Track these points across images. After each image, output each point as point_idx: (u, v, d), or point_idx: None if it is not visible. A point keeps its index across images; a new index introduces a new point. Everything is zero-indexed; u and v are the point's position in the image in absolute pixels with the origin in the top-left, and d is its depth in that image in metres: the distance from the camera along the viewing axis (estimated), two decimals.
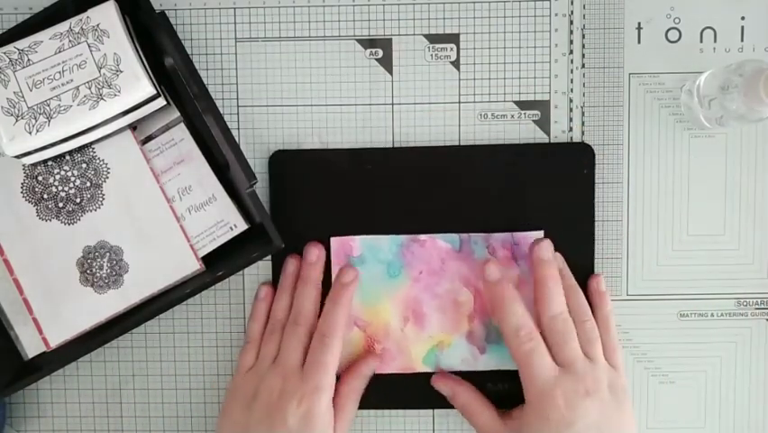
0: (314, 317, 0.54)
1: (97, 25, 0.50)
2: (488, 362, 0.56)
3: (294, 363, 0.52)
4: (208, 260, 0.54)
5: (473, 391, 0.55)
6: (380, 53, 0.56)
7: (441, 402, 0.56)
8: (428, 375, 0.56)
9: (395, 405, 0.57)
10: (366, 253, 0.56)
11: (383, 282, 0.56)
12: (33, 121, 0.50)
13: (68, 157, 0.54)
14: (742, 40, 0.56)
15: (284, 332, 0.54)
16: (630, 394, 0.55)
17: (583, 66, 0.56)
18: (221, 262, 0.54)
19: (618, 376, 0.52)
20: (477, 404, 0.54)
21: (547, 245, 0.53)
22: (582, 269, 0.56)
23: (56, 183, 0.54)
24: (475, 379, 0.56)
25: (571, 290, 0.54)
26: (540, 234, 0.55)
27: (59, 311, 0.53)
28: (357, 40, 0.56)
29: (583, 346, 0.52)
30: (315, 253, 0.55)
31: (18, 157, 0.51)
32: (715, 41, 0.56)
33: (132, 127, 0.54)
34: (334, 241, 0.56)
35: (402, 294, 0.56)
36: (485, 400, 0.54)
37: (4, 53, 0.50)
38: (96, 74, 0.50)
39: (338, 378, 0.53)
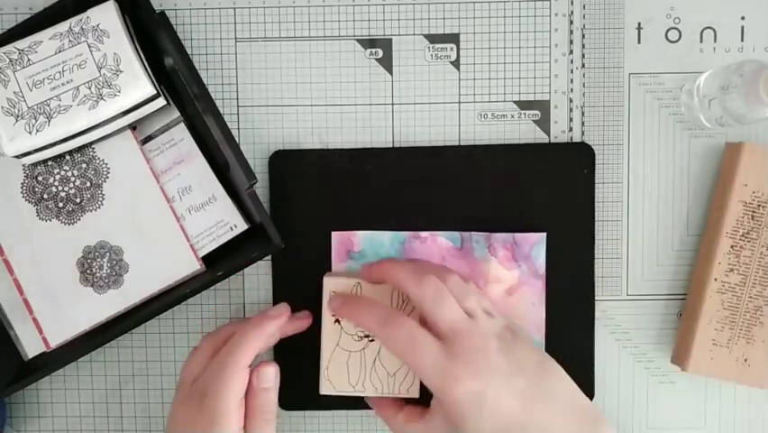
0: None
1: (97, 25, 0.50)
2: None
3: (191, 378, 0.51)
4: (208, 260, 0.54)
5: (393, 410, 0.53)
6: (380, 53, 0.56)
7: None
8: None
9: None
10: (367, 249, 0.56)
11: None
12: (33, 121, 0.50)
13: (68, 157, 0.54)
14: (742, 40, 0.56)
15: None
16: (521, 331, 0.52)
17: (583, 66, 0.56)
18: (221, 262, 0.54)
19: (494, 318, 0.50)
20: (396, 423, 0.52)
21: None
22: (582, 269, 0.56)
23: (56, 183, 0.54)
24: None
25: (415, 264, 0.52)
26: (542, 236, 0.55)
27: (59, 311, 0.53)
28: (357, 40, 0.56)
29: (460, 304, 0.49)
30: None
31: (18, 157, 0.51)
32: (715, 41, 0.56)
33: (132, 127, 0.54)
34: (335, 236, 0.56)
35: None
36: (402, 413, 0.52)
37: (4, 53, 0.50)
38: (96, 74, 0.50)
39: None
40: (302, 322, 0.54)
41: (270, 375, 0.51)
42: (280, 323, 0.51)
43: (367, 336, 0.53)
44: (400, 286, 0.50)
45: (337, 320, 0.53)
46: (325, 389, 0.53)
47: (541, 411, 0.48)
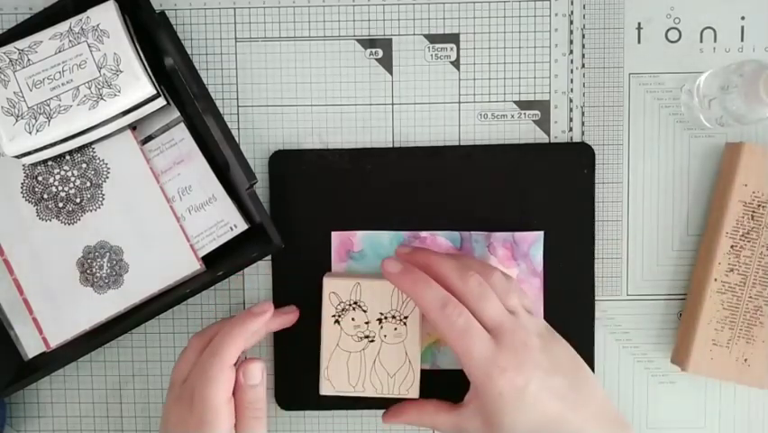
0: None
1: (97, 25, 0.50)
2: None
3: (179, 379, 0.51)
4: (208, 260, 0.54)
5: (416, 407, 0.53)
6: (380, 53, 0.56)
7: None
8: (427, 374, 0.56)
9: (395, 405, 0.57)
10: (366, 249, 0.56)
11: (382, 278, 0.56)
12: (33, 121, 0.50)
13: (68, 157, 0.54)
14: (742, 40, 0.56)
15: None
16: (552, 330, 0.52)
17: (583, 66, 0.56)
18: (221, 262, 0.54)
19: (535, 317, 0.51)
20: (426, 415, 0.53)
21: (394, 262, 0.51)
22: (582, 269, 0.56)
23: (56, 183, 0.54)
24: None
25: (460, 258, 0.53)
26: (540, 234, 0.55)
27: (59, 311, 0.53)
28: (357, 40, 0.56)
29: (502, 302, 0.50)
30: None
31: (18, 157, 0.51)
32: (715, 41, 0.56)
33: (132, 127, 0.54)
34: (335, 236, 0.56)
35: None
36: (431, 405, 0.53)
37: (4, 53, 0.50)
38: (96, 74, 0.50)
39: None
40: (288, 317, 0.54)
41: (257, 372, 0.50)
42: (264, 320, 0.51)
43: (367, 337, 0.53)
44: (442, 278, 0.50)
45: (337, 321, 0.53)
46: (325, 389, 0.53)
47: (576, 414, 0.48)
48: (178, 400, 0.50)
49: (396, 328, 0.53)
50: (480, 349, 0.48)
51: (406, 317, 0.53)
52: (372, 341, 0.53)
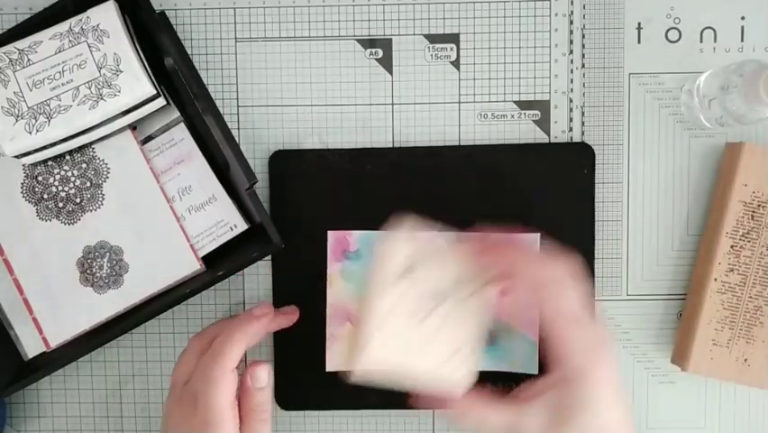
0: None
1: (97, 25, 0.50)
2: (484, 362, 0.56)
3: (182, 379, 0.51)
4: (208, 260, 0.54)
5: (479, 407, 0.48)
6: (380, 53, 0.56)
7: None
8: None
9: (395, 405, 0.57)
10: (362, 249, 0.56)
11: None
12: (33, 121, 0.50)
13: (68, 157, 0.54)
14: (742, 40, 0.56)
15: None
16: None
17: (583, 66, 0.56)
18: (221, 262, 0.54)
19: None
20: (475, 411, 0.48)
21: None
22: (582, 269, 0.56)
23: (56, 183, 0.54)
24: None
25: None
26: (536, 236, 0.55)
27: (59, 311, 0.53)
28: (357, 40, 0.56)
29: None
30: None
31: (18, 157, 0.51)
32: (715, 41, 0.56)
33: (132, 127, 0.54)
34: (331, 235, 0.56)
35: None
36: (481, 398, 0.48)
37: (4, 53, 0.50)
38: (96, 74, 0.50)
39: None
40: (288, 317, 0.54)
41: (264, 375, 0.51)
42: (265, 322, 0.51)
43: (425, 312, 0.47)
44: (518, 266, 0.48)
45: (395, 287, 0.46)
46: (366, 362, 0.46)
47: (626, 428, 0.46)
48: (180, 402, 0.50)
49: (460, 308, 0.48)
50: (587, 334, 0.46)
51: (473, 298, 0.48)
52: (431, 317, 0.47)
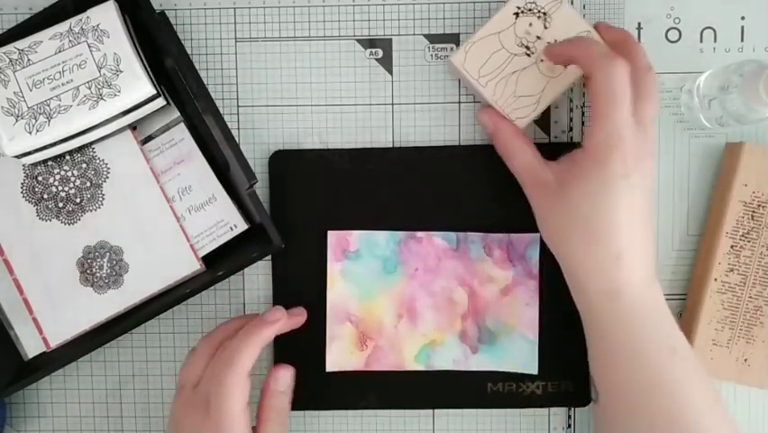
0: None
1: (97, 25, 0.50)
2: (479, 362, 0.56)
3: (192, 382, 0.51)
4: (208, 260, 0.54)
5: (516, 130, 0.52)
6: (380, 53, 0.56)
7: (440, 402, 0.56)
8: (425, 375, 0.56)
9: (394, 405, 0.57)
10: (362, 249, 0.56)
11: (378, 278, 0.56)
12: (33, 121, 0.50)
13: (68, 157, 0.54)
14: (742, 40, 0.56)
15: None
16: None
17: None
18: (221, 262, 0.54)
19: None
20: (518, 142, 0.52)
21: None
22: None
23: (56, 183, 0.54)
24: (467, 379, 0.56)
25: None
26: (536, 236, 0.55)
27: (59, 311, 0.53)
28: (357, 40, 0.56)
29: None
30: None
31: (18, 157, 0.51)
32: (715, 41, 0.56)
33: (132, 127, 0.54)
34: (331, 235, 0.56)
35: (397, 290, 0.56)
36: (527, 140, 0.52)
37: (4, 53, 0.50)
38: (96, 74, 0.50)
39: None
40: (297, 319, 0.54)
41: (288, 379, 0.52)
42: (279, 327, 0.51)
43: (527, 48, 0.52)
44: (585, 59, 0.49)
45: (516, 14, 0.52)
46: (459, 60, 0.52)
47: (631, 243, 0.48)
48: (190, 405, 0.50)
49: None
50: (625, 119, 0.46)
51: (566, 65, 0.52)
52: (528, 56, 0.52)
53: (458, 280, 0.56)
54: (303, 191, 0.56)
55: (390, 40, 0.56)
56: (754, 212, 0.53)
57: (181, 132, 0.55)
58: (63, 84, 0.50)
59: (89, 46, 0.50)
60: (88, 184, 0.54)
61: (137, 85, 0.50)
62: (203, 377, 0.50)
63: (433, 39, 0.56)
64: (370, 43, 0.56)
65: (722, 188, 0.55)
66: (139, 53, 0.51)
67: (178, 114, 0.55)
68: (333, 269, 0.56)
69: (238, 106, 0.57)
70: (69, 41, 0.50)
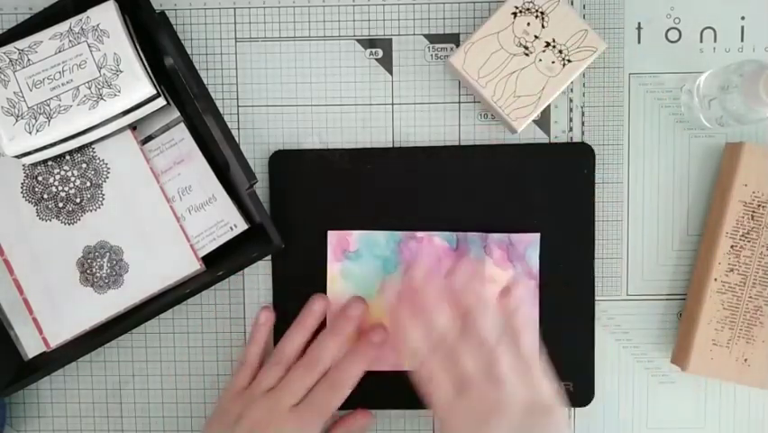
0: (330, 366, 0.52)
1: (97, 25, 0.50)
2: None
3: (290, 402, 0.51)
4: (208, 260, 0.54)
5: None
6: (380, 53, 0.56)
7: None
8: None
9: (394, 405, 0.57)
10: (362, 249, 0.56)
11: (378, 278, 0.56)
12: (33, 121, 0.50)
13: (68, 157, 0.54)
14: (742, 40, 0.56)
15: (292, 370, 0.52)
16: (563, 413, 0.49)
17: None
18: (221, 262, 0.54)
19: (538, 395, 0.48)
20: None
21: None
22: (582, 269, 0.56)
23: (56, 183, 0.54)
24: None
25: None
26: (536, 236, 0.55)
27: (59, 311, 0.53)
28: (357, 40, 0.56)
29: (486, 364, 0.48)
30: (357, 307, 0.54)
31: (18, 157, 0.51)
32: (715, 41, 0.56)
33: (132, 127, 0.54)
34: (331, 235, 0.56)
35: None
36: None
37: (4, 53, 0.50)
38: (96, 74, 0.50)
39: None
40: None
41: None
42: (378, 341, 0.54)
43: (525, 48, 0.52)
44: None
45: (514, 14, 0.52)
46: (458, 61, 0.52)
47: None
48: (264, 409, 0.51)
49: (554, 62, 0.51)
50: (441, 390, 0.48)
51: (570, 62, 0.52)
52: (527, 55, 0.52)
53: None
54: (303, 191, 0.56)
55: (390, 40, 0.56)
56: (754, 212, 0.53)
57: (181, 132, 0.55)
58: (63, 84, 0.50)
59: (89, 46, 0.50)
60: (88, 184, 0.54)
61: (137, 85, 0.50)
62: (304, 397, 0.51)
63: (433, 39, 0.56)
64: (370, 43, 0.56)
65: (722, 188, 0.55)
66: (139, 53, 0.51)
67: (178, 114, 0.55)
68: (333, 269, 0.56)
69: (238, 106, 0.57)
70: (69, 41, 0.50)
